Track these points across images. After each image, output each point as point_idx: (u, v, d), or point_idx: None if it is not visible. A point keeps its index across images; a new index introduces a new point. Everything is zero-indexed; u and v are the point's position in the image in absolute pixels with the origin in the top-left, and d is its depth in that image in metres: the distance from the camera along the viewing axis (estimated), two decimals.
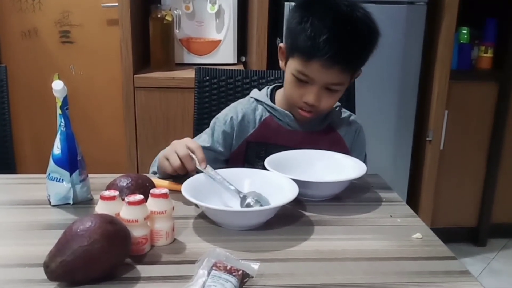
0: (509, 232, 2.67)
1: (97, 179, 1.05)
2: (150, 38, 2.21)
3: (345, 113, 1.29)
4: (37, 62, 2.53)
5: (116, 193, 0.84)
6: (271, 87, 1.28)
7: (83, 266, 0.70)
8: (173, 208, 0.86)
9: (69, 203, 0.99)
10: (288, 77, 1.15)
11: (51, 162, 0.99)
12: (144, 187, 0.93)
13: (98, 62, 2.52)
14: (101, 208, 0.83)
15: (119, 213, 0.81)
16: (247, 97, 1.28)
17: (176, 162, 1.02)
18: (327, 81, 1.10)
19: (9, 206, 1.01)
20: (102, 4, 2.46)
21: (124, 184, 0.93)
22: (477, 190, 2.53)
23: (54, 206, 0.99)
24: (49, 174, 1.00)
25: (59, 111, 0.96)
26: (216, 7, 2.24)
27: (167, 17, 2.17)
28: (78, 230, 0.72)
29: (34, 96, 2.56)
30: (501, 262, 2.49)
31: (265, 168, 1.04)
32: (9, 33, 2.49)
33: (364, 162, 1.26)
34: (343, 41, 1.06)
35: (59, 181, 0.99)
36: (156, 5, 2.19)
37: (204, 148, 1.17)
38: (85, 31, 2.52)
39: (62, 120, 0.97)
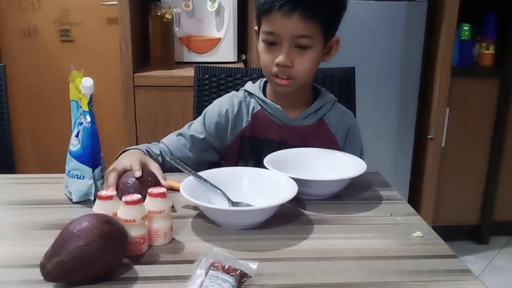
0: (511, 229, 2.66)
1: None
2: (150, 37, 2.21)
3: (340, 108, 1.27)
4: (37, 61, 2.53)
5: (114, 192, 0.84)
6: (265, 79, 1.25)
7: (79, 267, 0.70)
8: (172, 207, 0.85)
9: (90, 199, 1.00)
10: (260, 47, 1.15)
11: (72, 160, 1.00)
12: (149, 185, 0.92)
13: (98, 61, 2.52)
14: (98, 208, 0.82)
15: (116, 213, 0.80)
16: (241, 90, 1.27)
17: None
18: (292, 32, 1.08)
19: (6, 206, 1.00)
20: (101, 3, 2.45)
21: (131, 183, 0.93)
22: (479, 188, 2.52)
23: (75, 202, 1.00)
24: (69, 171, 1.00)
25: (84, 108, 0.97)
26: (216, 4, 2.23)
27: (166, 15, 2.16)
28: (75, 230, 0.71)
29: (33, 95, 2.56)
30: (503, 259, 2.48)
31: (260, 164, 1.04)
32: (9, 32, 2.49)
33: (360, 157, 1.24)
34: None
35: (80, 178, 0.99)
36: (156, 3, 2.18)
37: (198, 139, 1.22)
38: (84, 29, 2.52)
39: (88, 117, 0.97)
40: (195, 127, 1.23)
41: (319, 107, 1.22)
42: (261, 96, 1.22)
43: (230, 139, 1.22)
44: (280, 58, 1.09)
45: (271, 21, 1.09)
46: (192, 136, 1.22)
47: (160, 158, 1.16)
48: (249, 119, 1.21)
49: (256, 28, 1.18)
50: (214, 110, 1.23)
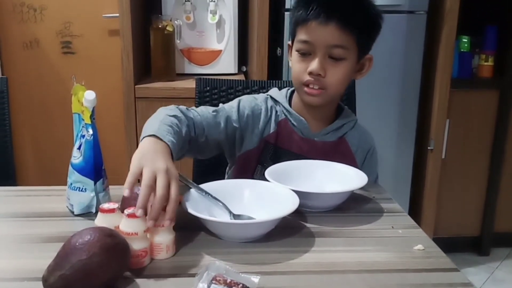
0: None
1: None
2: (151, 48, 2.22)
3: (361, 128, 1.27)
4: (39, 72, 2.54)
5: (116, 205, 0.84)
6: (292, 89, 1.25)
7: (82, 280, 0.70)
8: (174, 220, 0.85)
9: (92, 212, 1.00)
10: (293, 58, 1.16)
11: (74, 172, 1.00)
12: None
13: (99, 73, 2.53)
14: (100, 220, 0.83)
15: (118, 226, 0.80)
16: (266, 95, 1.25)
17: (145, 196, 0.83)
18: (327, 41, 1.08)
19: (8, 218, 1.00)
20: (103, 15, 2.47)
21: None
22: (479, 199, 2.52)
23: (76, 215, 1.00)
24: (71, 184, 1.00)
25: (86, 121, 0.98)
26: (217, 17, 2.24)
27: (168, 27, 2.17)
28: (77, 244, 0.71)
29: (35, 106, 2.57)
30: (504, 271, 2.47)
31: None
32: (11, 44, 2.50)
33: (375, 182, 1.25)
34: None
35: (81, 190, 0.99)
36: (157, 16, 2.19)
37: (232, 125, 1.16)
38: (86, 41, 2.53)
39: (90, 130, 0.98)
40: (230, 112, 1.17)
41: (342, 125, 1.21)
42: (286, 105, 1.21)
43: (255, 143, 1.20)
44: (313, 66, 1.10)
45: (307, 30, 1.10)
46: (228, 119, 1.16)
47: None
48: (276, 127, 1.20)
49: (289, 42, 1.19)
50: (249, 104, 1.20)
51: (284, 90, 1.26)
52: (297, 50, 1.13)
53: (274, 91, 1.25)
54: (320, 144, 1.20)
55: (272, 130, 1.20)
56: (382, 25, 1.15)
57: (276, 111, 1.21)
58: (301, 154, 1.19)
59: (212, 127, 1.14)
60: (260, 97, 1.24)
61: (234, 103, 1.20)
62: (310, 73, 1.11)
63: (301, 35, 1.11)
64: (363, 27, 1.11)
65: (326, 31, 1.08)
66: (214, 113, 1.16)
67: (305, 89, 1.13)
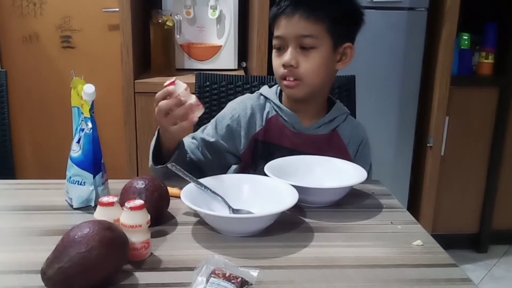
0: (510, 238, 2.66)
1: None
2: (151, 43, 2.21)
3: (353, 121, 1.29)
4: (38, 67, 2.54)
5: (115, 199, 0.84)
6: None
7: (80, 273, 0.70)
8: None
9: (90, 205, 1.00)
10: (272, 55, 1.19)
11: (73, 166, 1.00)
12: (160, 189, 0.93)
13: (99, 67, 2.53)
14: (99, 214, 0.82)
15: (117, 219, 0.80)
16: (256, 93, 1.27)
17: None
18: (295, 32, 1.12)
19: (7, 211, 1.00)
20: (103, 9, 2.46)
21: (143, 186, 0.92)
22: (478, 196, 2.53)
23: (75, 208, 1.00)
24: (70, 177, 1.00)
25: (85, 115, 0.98)
26: (217, 12, 2.24)
27: (168, 22, 2.17)
28: (76, 237, 0.71)
29: (34, 101, 2.57)
30: (502, 268, 2.47)
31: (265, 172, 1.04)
32: (10, 38, 2.50)
33: (369, 173, 1.24)
34: None
35: (80, 184, 0.99)
36: (157, 10, 2.19)
37: (209, 142, 1.22)
38: (86, 36, 2.53)
39: (89, 123, 0.98)
40: (208, 131, 1.24)
41: (333, 118, 1.23)
42: (277, 101, 1.23)
43: (244, 144, 1.22)
44: (285, 58, 1.13)
45: (278, 26, 1.15)
46: (203, 139, 1.22)
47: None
48: (263, 123, 1.22)
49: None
50: (226, 114, 1.24)
51: (274, 87, 1.27)
52: (273, 47, 1.18)
53: (264, 89, 1.27)
54: (313, 138, 1.21)
55: (258, 128, 1.22)
56: (361, 15, 1.18)
57: (263, 108, 1.23)
58: (294, 149, 1.20)
59: (193, 153, 1.21)
60: (237, 101, 1.26)
61: (213, 119, 1.26)
62: (284, 66, 1.14)
63: (275, 32, 1.16)
64: (331, 15, 1.12)
65: (292, 22, 1.12)
66: (192, 139, 1.23)
67: (283, 82, 1.16)
